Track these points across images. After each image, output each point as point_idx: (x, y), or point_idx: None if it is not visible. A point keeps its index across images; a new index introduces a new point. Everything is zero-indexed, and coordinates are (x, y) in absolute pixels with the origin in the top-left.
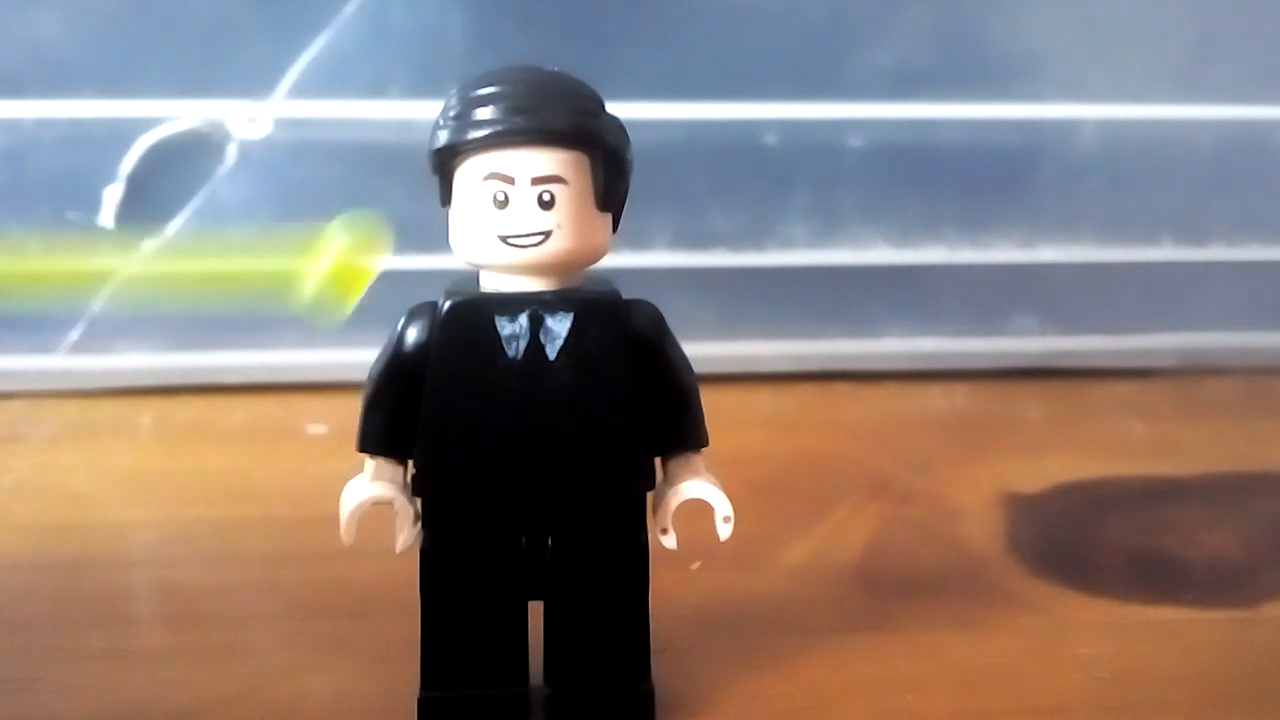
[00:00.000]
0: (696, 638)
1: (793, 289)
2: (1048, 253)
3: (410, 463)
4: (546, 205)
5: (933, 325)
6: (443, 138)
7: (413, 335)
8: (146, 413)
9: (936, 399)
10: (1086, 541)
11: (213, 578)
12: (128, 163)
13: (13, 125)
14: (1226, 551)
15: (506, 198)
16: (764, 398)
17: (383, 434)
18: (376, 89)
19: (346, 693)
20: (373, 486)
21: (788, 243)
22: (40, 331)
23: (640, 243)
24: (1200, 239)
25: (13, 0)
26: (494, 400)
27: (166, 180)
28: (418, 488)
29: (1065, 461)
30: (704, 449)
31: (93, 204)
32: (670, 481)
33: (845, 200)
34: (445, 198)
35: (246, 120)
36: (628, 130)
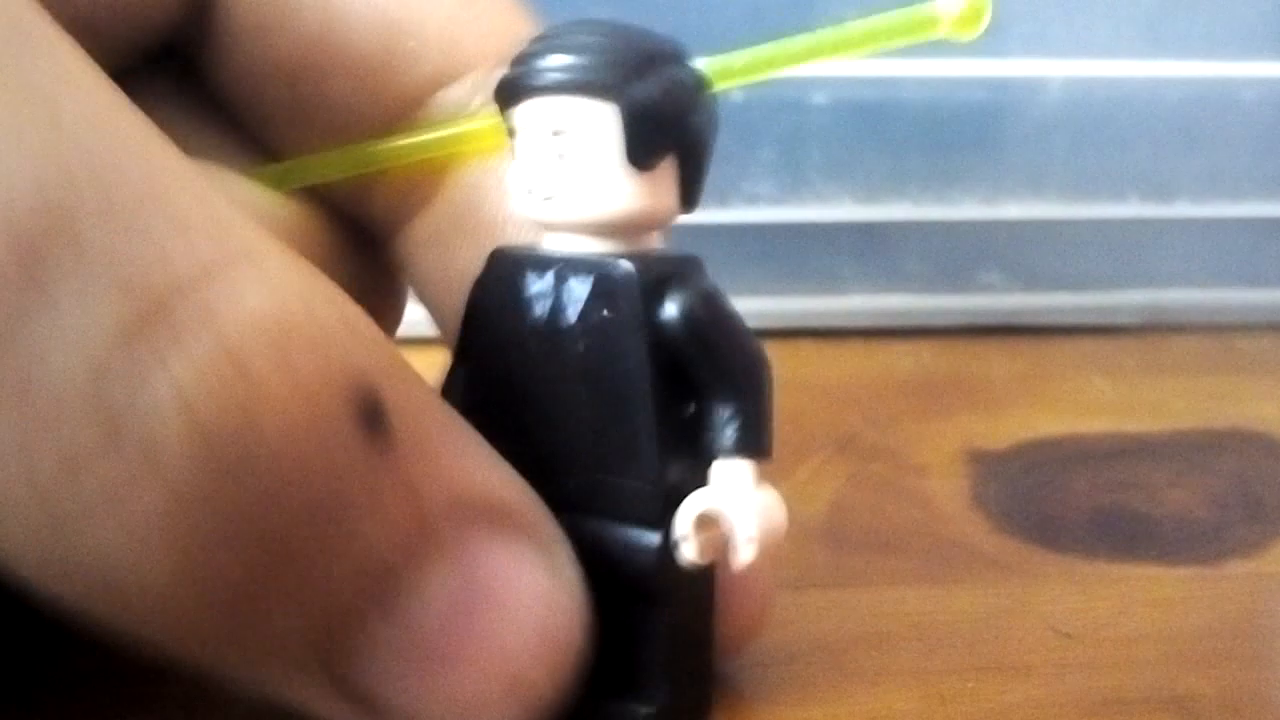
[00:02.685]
0: None
1: (758, 246)
2: (1013, 210)
3: None
4: (561, 158)
5: (898, 282)
6: (494, 93)
7: (470, 294)
8: None
9: (902, 356)
10: (1051, 498)
11: None
12: None
13: None
14: (1191, 508)
15: (532, 150)
16: None
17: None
18: None
19: None
20: None
21: (753, 200)
22: None
23: None
24: (1166, 196)
25: None
26: (516, 360)
27: None
28: None
29: (1030, 418)
30: (757, 459)
31: None
32: (706, 486)
33: (810, 157)
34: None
35: None
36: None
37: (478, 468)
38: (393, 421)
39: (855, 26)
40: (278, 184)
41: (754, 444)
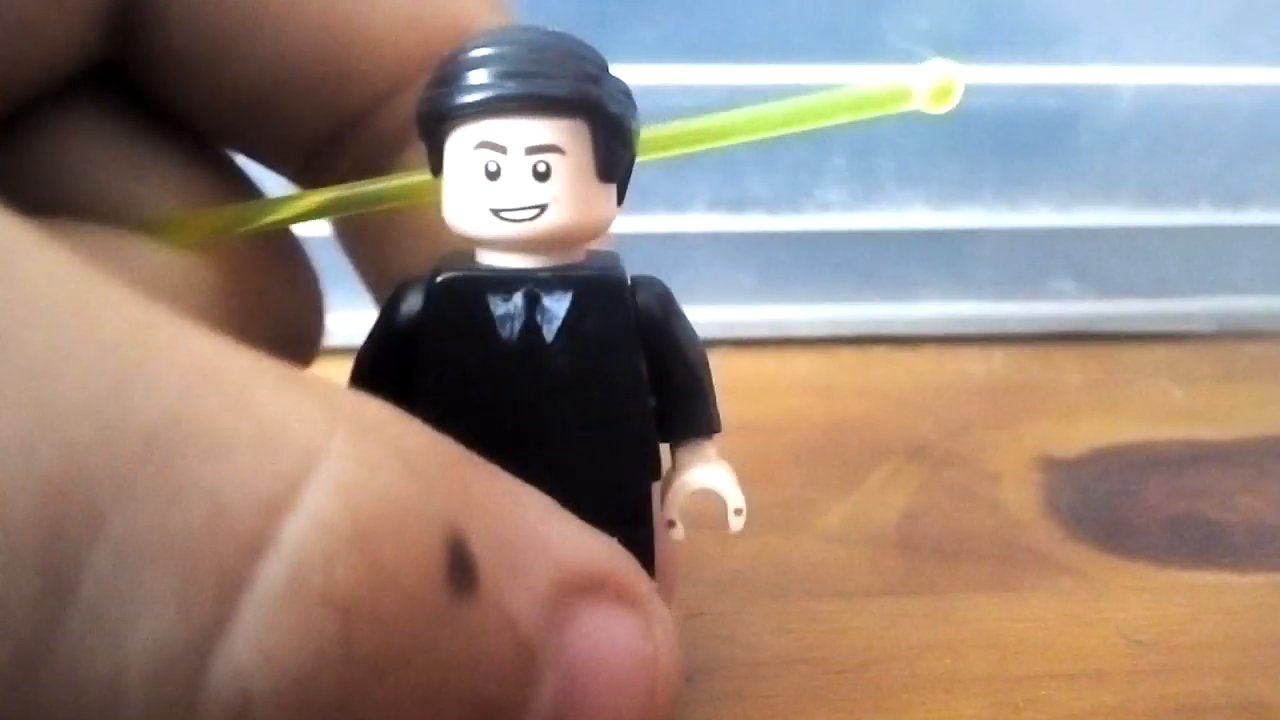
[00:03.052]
0: (735, 601)
1: (830, 253)
2: (1086, 216)
3: None
4: (542, 176)
5: (971, 289)
6: (431, 104)
7: (400, 313)
8: None
9: (974, 363)
10: (1124, 505)
11: None
12: None
13: None
14: (1264, 515)
15: (499, 168)
16: (802, 362)
17: None
18: None
19: None
20: None
21: (825, 206)
22: None
23: (678, 206)
24: (1239, 203)
25: None
26: (487, 384)
27: None
28: None
29: (1103, 425)
30: (715, 435)
31: None
32: (679, 470)
33: (883, 164)
34: (436, 166)
35: None
36: (633, 95)
37: (563, 544)
38: (478, 553)
39: (827, 96)
40: (215, 231)
41: (718, 422)
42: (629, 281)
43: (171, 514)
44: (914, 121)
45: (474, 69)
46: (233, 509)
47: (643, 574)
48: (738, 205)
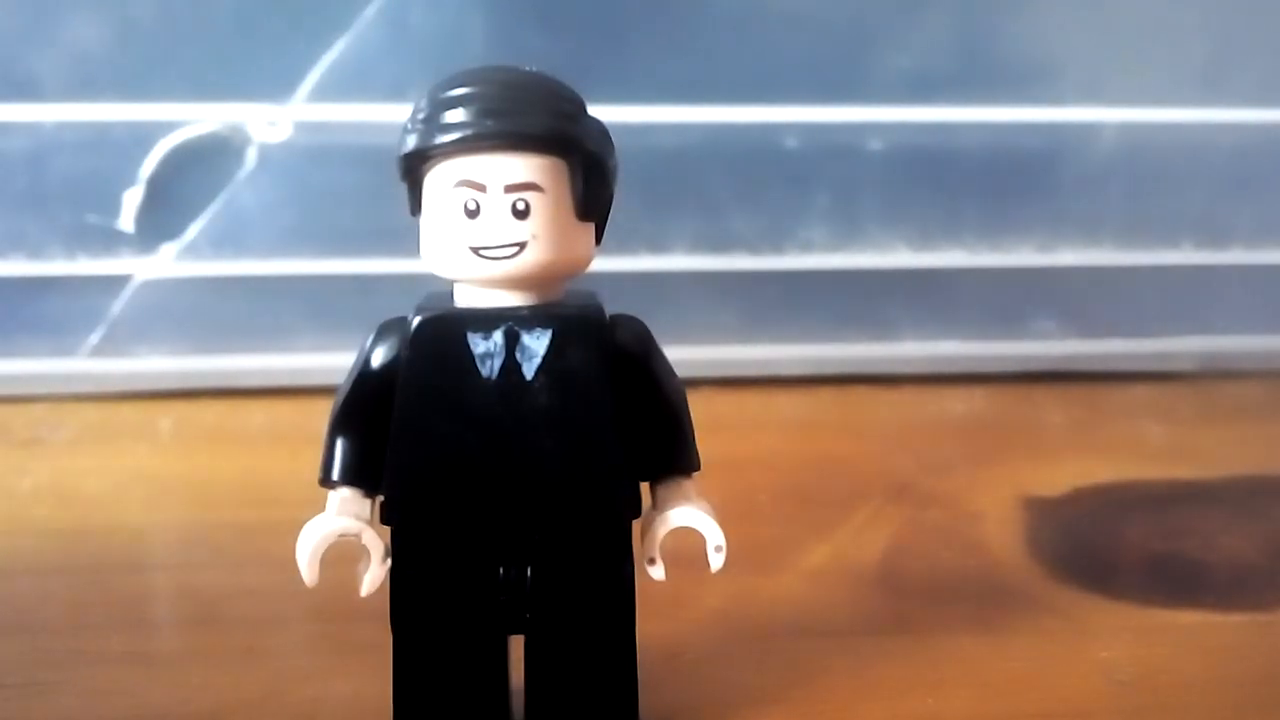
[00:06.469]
0: (716, 641)
1: (812, 292)
2: (1067, 256)
3: (378, 498)
4: (521, 214)
5: (952, 328)
6: (410, 142)
7: (381, 354)
8: (166, 416)
9: (956, 402)
10: (1106, 545)
11: (233, 581)
12: (148, 166)
13: (33, 128)
14: (1246, 555)
15: (478, 206)
16: (783, 401)
17: (349, 462)
18: (396, 92)
19: (367, 696)
20: (338, 520)
21: (807, 246)
22: (61, 335)
23: (660, 246)
24: (1221, 242)
25: (33, 3)
26: (468, 422)
27: (186, 184)
28: (387, 515)
29: (1085, 464)
30: (695, 473)
31: (113, 207)
32: (659, 508)
33: (865, 203)
34: (415, 206)
35: (267, 123)
36: (611, 135)
37: None
38: None
39: None
40: None
41: (697, 460)
42: (608, 319)
43: None
44: (896, 161)
45: (453, 108)
46: None
47: None
48: (720, 245)
